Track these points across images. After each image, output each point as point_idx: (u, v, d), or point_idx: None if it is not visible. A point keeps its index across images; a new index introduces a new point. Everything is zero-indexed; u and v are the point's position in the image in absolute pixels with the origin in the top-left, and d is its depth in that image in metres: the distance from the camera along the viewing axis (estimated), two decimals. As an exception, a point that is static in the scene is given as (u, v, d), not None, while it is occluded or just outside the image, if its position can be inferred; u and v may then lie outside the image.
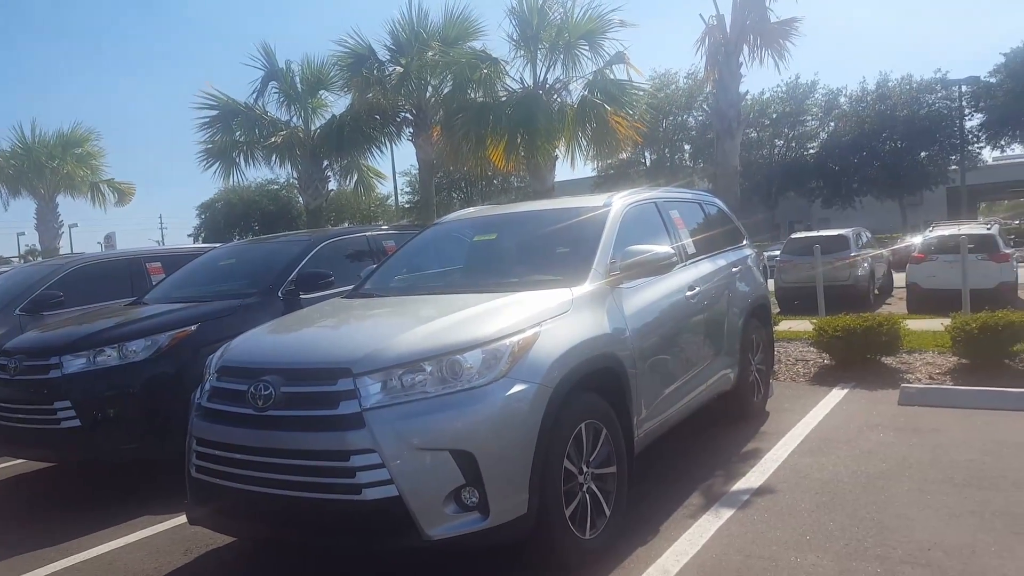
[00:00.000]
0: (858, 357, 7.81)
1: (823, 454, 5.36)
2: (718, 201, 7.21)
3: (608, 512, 3.93)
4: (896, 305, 17.31)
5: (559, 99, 15.17)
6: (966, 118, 44.56)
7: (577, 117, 14.66)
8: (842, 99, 51.77)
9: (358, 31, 18.51)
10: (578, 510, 3.74)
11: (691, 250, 5.73)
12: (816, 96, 52.16)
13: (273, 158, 18.65)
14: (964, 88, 41.08)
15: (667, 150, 53.97)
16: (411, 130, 18.27)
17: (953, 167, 45.20)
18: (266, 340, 4.35)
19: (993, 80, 44.22)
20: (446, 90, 16.57)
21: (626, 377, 4.23)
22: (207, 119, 18.10)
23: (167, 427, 5.30)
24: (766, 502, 4.54)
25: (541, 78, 15.13)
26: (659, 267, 4.68)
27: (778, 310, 13.12)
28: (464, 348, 3.52)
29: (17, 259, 48.35)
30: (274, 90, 18.52)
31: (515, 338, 3.61)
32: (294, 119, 18.84)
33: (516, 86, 15.39)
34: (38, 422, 5.62)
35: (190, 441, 3.89)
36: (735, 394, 6.09)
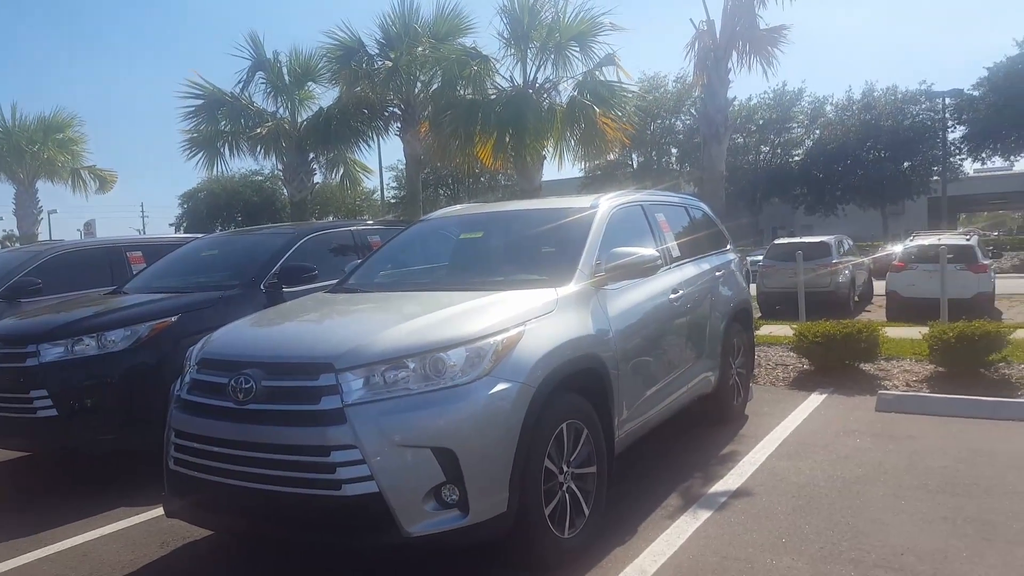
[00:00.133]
0: (837, 363, 7.88)
1: (800, 458, 5.41)
2: (703, 205, 7.25)
3: (587, 511, 3.95)
4: (876, 312, 17.46)
5: (548, 99, 15.16)
6: (949, 130, 45.03)
7: (566, 117, 14.65)
8: (828, 107, 52.24)
9: (348, 23, 18.46)
10: (558, 509, 3.75)
11: (676, 253, 5.75)
12: (802, 104, 52.59)
13: (258, 149, 18.50)
14: (947, 100, 41.60)
15: (654, 153, 54.18)
16: (399, 125, 18.19)
17: (935, 178, 45.69)
18: (248, 333, 4.33)
19: (976, 93, 44.70)
20: (435, 86, 16.50)
21: (608, 378, 4.25)
22: (192, 108, 17.93)
23: (145, 418, 5.26)
24: (743, 504, 4.57)
25: (531, 77, 15.11)
26: (644, 269, 4.70)
27: (760, 315, 13.20)
28: (448, 346, 3.52)
29: (-5, 244, 47.79)
30: (261, 80, 18.38)
31: (499, 337, 3.62)
32: (280, 110, 18.71)
33: (506, 84, 15.37)
34: (14, 411, 5.55)
35: (169, 433, 3.87)
36: (715, 397, 6.13)
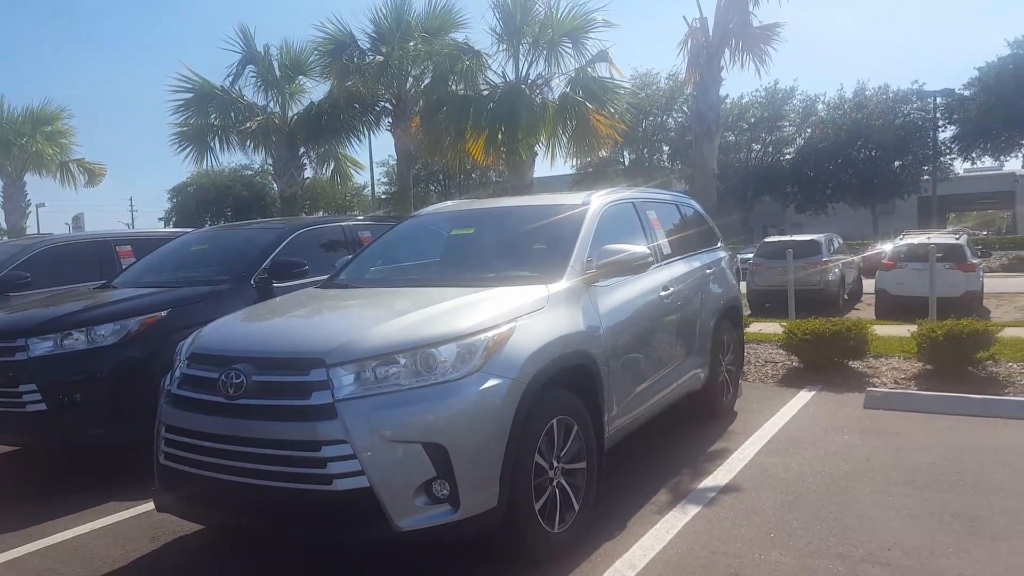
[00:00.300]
0: (826, 360, 7.92)
1: (789, 454, 5.44)
2: (694, 203, 7.27)
3: (577, 507, 3.97)
4: (865, 311, 17.56)
5: (540, 95, 15.17)
6: (939, 130, 45.29)
7: (558, 114, 14.67)
8: (820, 106, 52.49)
9: (339, 17, 18.42)
10: (547, 504, 3.77)
11: (667, 251, 5.77)
12: (794, 102, 52.80)
13: (248, 143, 18.44)
14: (939, 100, 41.77)
15: (646, 150, 54.23)
16: (390, 120, 18.16)
17: (925, 177, 45.92)
18: (238, 328, 4.33)
19: (967, 93, 44.93)
20: (427, 81, 16.50)
21: (599, 374, 4.26)
22: (182, 101, 17.83)
23: (135, 413, 5.23)
24: (732, 500, 4.60)
25: (523, 73, 15.12)
26: (635, 267, 4.71)
27: (749, 312, 13.28)
28: (439, 342, 3.53)
29: (-17, 238, 47.44)
30: (251, 74, 18.30)
31: (490, 333, 3.63)
32: (271, 104, 18.65)
33: (497, 80, 15.37)
34: (3, 405, 5.50)
35: (159, 428, 3.86)
36: (705, 393, 6.16)
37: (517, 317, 3.81)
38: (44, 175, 24.93)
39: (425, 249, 6.01)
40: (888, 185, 48.18)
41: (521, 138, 14.15)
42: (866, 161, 48.18)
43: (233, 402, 3.53)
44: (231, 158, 50.27)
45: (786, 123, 53.35)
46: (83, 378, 5.43)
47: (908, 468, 5.05)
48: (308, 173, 20.50)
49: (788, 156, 52.88)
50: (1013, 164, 55.24)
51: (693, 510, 4.44)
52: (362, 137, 19.15)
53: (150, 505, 4.12)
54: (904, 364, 7.96)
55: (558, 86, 15.14)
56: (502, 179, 39.05)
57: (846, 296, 19.33)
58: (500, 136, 14.33)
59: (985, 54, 73.64)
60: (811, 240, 18.62)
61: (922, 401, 6.64)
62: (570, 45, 14.83)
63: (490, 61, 15.27)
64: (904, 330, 8.55)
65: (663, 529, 4.18)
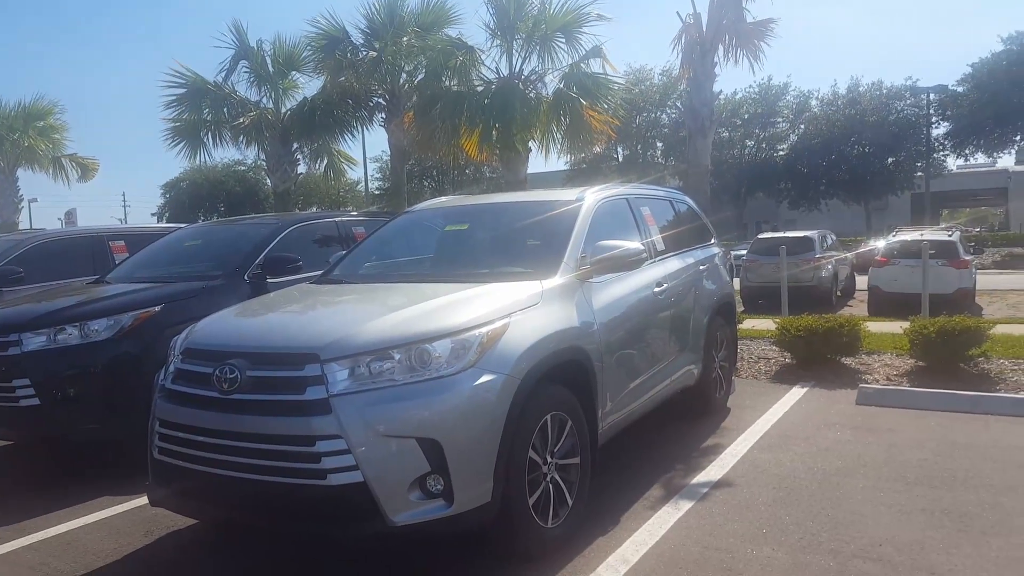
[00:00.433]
0: (819, 357, 7.95)
1: (781, 450, 5.47)
2: (688, 199, 7.29)
3: (571, 502, 3.98)
4: (857, 307, 17.63)
5: (534, 91, 15.16)
6: (933, 126, 45.39)
7: (552, 110, 14.65)
8: (813, 102, 52.50)
9: (332, 12, 18.37)
10: (541, 499, 3.78)
11: (660, 247, 5.79)
12: (788, 98, 52.81)
13: (241, 139, 18.39)
14: (932, 96, 41.91)
15: (639, 146, 54.24)
16: (383, 115, 18.13)
17: (918, 174, 46.04)
18: (233, 323, 4.32)
19: (960, 90, 45.03)
20: (420, 76, 16.47)
21: (593, 370, 4.28)
22: (175, 97, 17.77)
23: (129, 408, 5.24)
24: (725, 495, 4.62)
25: (517, 69, 15.10)
26: (629, 263, 4.72)
27: (743, 308, 13.28)
28: (433, 337, 3.53)
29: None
30: (244, 69, 18.22)
31: (484, 329, 3.63)
32: (264, 100, 18.59)
33: (491, 76, 15.35)
34: (-4, 399, 5.52)
35: (153, 422, 3.86)
36: (698, 390, 6.18)
37: (511, 313, 3.82)
38: (36, 170, 24.84)
39: (419, 245, 6.01)
40: (881, 181, 48.29)
41: (516, 133, 14.14)
42: (859, 157, 48.27)
43: (227, 397, 3.53)
44: (224, 153, 50.35)
45: (779, 119, 53.40)
46: (76, 373, 5.42)
47: (900, 464, 5.08)
48: (301, 169, 20.51)
49: (781, 152, 52.93)
50: (1006, 161, 55.57)
51: (686, 505, 4.46)
52: (355, 133, 19.15)
53: (144, 500, 4.12)
54: (896, 361, 8.00)
55: (552, 82, 15.14)
56: (496, 175, 39.01)
57: (839, 293, 19.38)
58: (494, 132, 14.31)
59: (979, 50, 73.95)
60: (804, 237, 18.66)
61: (914, 398, 6.67)
62: (564, 40, 14.82)
63: (484, 57, 15.27)
64: (897, 327, 8.58)
65: (656, 524, 4.20)
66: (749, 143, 53.99)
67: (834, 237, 21.06)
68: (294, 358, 3.52)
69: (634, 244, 4.82)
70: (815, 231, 19.42)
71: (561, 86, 14.69)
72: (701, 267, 6.35)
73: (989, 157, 51.43)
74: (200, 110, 18.07)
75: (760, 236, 21.56)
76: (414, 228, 6.14)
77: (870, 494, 4.56)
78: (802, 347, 8.00)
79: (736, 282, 10.86)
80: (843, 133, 48.25)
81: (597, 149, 24.35)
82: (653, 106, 52.19)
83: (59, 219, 46.73)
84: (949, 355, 7.29)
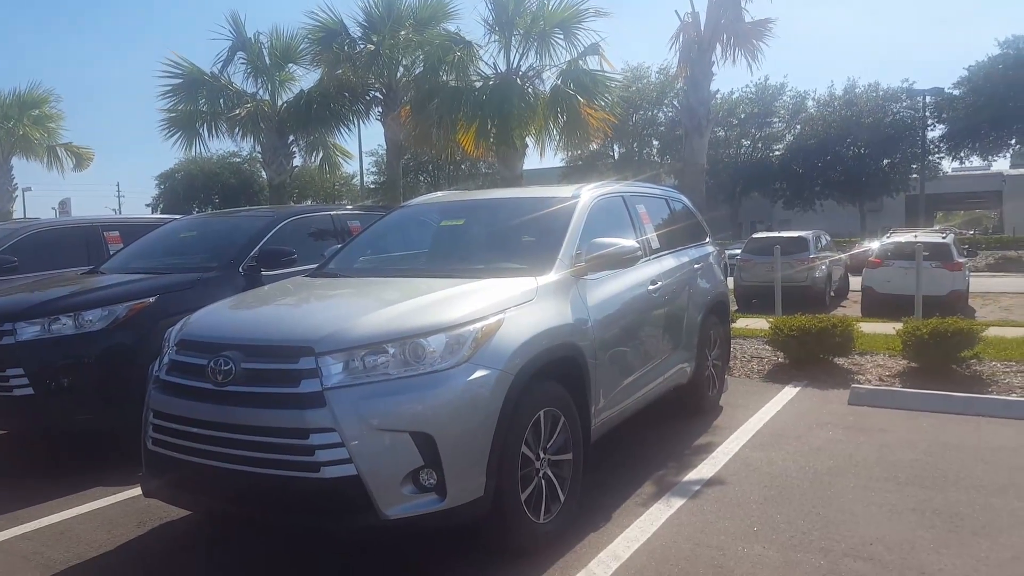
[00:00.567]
0: (811, 357, 7.97)
1: (773, 449, 5.49)
2: (684, 198, 7.30)
3: (563, 498, 3.99)
4: (851, 308, 17.68)
5: (531, 88, 15.14)
6: (928, 129, 45.50)
7: (549, 106, 14.64)
8: (809, 103, 52.67)
9: (330, 5, 18.31)
10: (534, 495, 3.79)
11: (655, 245, 5.80)
12: (784, 99, 52.91)
13: (237, 130, 18.31)
14: (928, 99, 42.00)
15: (636, 144, 54.30)
16: (380, 109, 18.08)
17: (913, 176, 46.16)
18: (227, 315, 4.32)
19: (956, 93, 45.15)
20: (418, 71, 16.41)
21: (586, 367, 4.29)
22: (170, 87, 17.67)
23: (122, 398, 5.23)
24: (716, 493, 4.64)
25: (515, 65, 15.08)
26: (624, 260, 4.72)
27: (736, 308, 13.33)
28: (428, 332, 3.54)
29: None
30: (241, 61, 18.14)
31: (479, 324, 3.64)
32: (260, 92, 18.51)
33: (489, 71, 15.33)
34: (-11, 389, 5.51)
35: (147, 413, 3.86)
36: (691, 388, 6.19)
37: (506, 309, 3.83)
38: (31, 159, 24.73)
39: (414, 239, 6.01)
40: (876, 183, 48.42)
41: (513, 130, 14.12)
42: (855, 159, 48.39)
43: (221, 389, 3.53)
44: (220, 145, 50.27)
45: (776, 119, 53.51)
46: (71, 363, 5.42)
47: (891, 464, 5.10)
48: (297, 161, 20.40)
49: (777, 152, 53.05)
50: (1001, 164, 55.77)
51: (678, 503, 4.48)
52: (351, 126, 19.06)
53: (137, 491, 4.13)
54: (889, 361, 8.03)
55: (549, 78, 15.10)
56: (491, 171, 38.98)
57: (832, 293, 19.44)
58: (491, 128, 14.29)
59: (976, 53, 74.13)
60: (799, 237, 18.71)
61: (906, 398, 6.70)
62: (562, 36, 14.78)
63: (481, 52, 15.22)
64: (890, 328, 8.62)
65: (648, 521, 4.22)
66: (745, 143, 54.10)
67: (828, 238, 21.12)
68: (289, 351, 3.52)
69: (629, 242, 4.83)
70: (810, 231, 19.48)
71: (559, 83, 14.67)
72: (695, 266, 6.37)
73: (984, 160, 51.66)
74: (196, 101, 17.99)
75: (754, 236, 21.61)
76: (410, 223, 6.14)
77: (861, 493, 4.58)
78: (795, 347, 8.02)
79: (730, 281, 10.87)
80: (839, 134, 48.36)
81: (594, 146, 24.36)
82: (650, 104, 52.25)
83: (53, 208, 46.56)
84: (942, 356, 7.32)
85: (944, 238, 17.39)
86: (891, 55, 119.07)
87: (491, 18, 14.81)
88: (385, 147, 19.39)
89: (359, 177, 42.29)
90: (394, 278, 4.92)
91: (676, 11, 13.58)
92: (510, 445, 3.59)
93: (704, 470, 5.07)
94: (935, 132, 47.69)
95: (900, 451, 5.38)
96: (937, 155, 48.87)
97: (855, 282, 19.36)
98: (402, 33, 16.15)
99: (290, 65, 18.57)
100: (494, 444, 3.49)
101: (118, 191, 68.96)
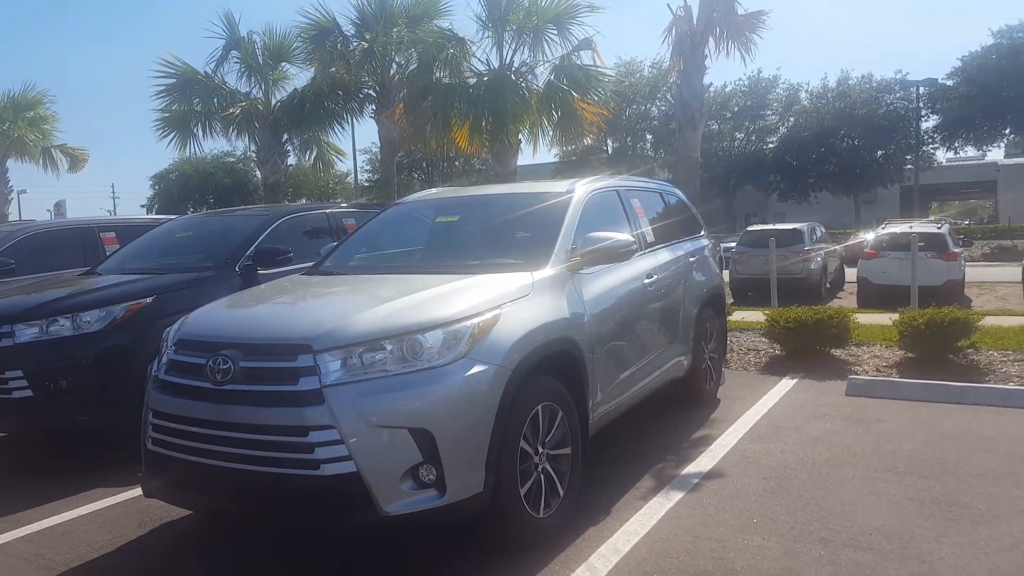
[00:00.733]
0: (808, 348, 7.99)
1: (771, 441, 5.51)
2: (678, 191, 7.31)
3: (562, 492, 4.00)
4: (847, 299, 17.70)
5: (525, 83, 15.12)
6: (922, 119, 45.55)
7: (543, 102, 14.63)
8: (803, 95, 52.58)
9: (323, 3, 18.26)
10: (533, 489, 3.80)
11: (650, 239, 5.80)
12: (777, 91, 52.87)
13: (231, 130, 18.25)
14: (922, 90, 42.03)
15: (629, 138, 54.28)
16: (374, 107, 18.04)
17: (908, 167, 46.20)
18: (225, 314, 4.33)
19: (950, 83, 45.18)
20: (411, 68, 16.39)
21: (583, 361, 4.30)
22: (164, 87, 17.59)
23: (121, 399, 5.24)
24: (715, 486, 4.65)
25: (508, 61, 15.07)
26: (619, 254, 4.74)
27: (732, 300, 13.32)
28: (425, 328, 3.55)
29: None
30: (235, 60, 18.06)
31: (476, 320, 3.65)
32: (254, 91, 18.44)
33: (482, 68, 15.31)
34: (-12, 391, 5.50)
35: (146, 413, 3.87)
36: (688, 381, 6.21)
37: (502, 304, 3.84)
38: (26, 161, 24.65)
39: (410, 237, 6.01)
40: (871, 174, 48.43)
41: (507, 125, 14.11)
42: (849, 150, 48.38)
43: (220, 388, 3.54)
44: (214, 145, 50.12)
45: (769, 112, 53.48)
46: (69, 364, 5.42)
47: (889, 454, 5.12)
48: (291, 160, 20.35)
49: (771, 145, 53.03)
50: (995, 154, 55.85)
51: (677, 496, 4.49)
52: (345, 124, 19.04)
53: (137, 491, 4.14)
54: (886, 352, 8.05)
55: (542, 74, 15.09)
56: (485, 167, 38.95)
57: (828, 285, 19.46)
58: (484, 124, 14.27)
59: (969, 44, 74.15)
60: (793, 229, 18.74)
61: (903, 389, 6.72)
62: (555, 32, 14.76)
63: (475, 49, 15.19)
64: (886, 318, 8.64)
65: (647, 514, 4.23)
66: (739, 136, 54.09)
67: (823, 229, 21.15)
68: (287, 349, 3.53)
69: (624, 236, 4.84)
70: (804, 223, 19.51)
71: (552, 78, 14.65)
72: (691, 259, 6.38)
73: (978, 150, 51.71)
74: (190, 100, 17.92)
75: (749, 228, 21.63)
76: (405, 220, 6.14)
77: (860, 484, 4.60)
78: (792, 339, 8.04)
79: (725, 274, 10.89)
80: (833, 126, 48.34)
81: (588, 141, 24.37)
82: (643, 98, 52.23)
83: (48, 210, 46.45)
84: (938, 346, 7.35)
85: (939, 228, 17.42)
86: (884, 46, 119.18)
87: (484, 14, 14.80)
88: (379, 145, 19.42)
89: (353, 175, 42.10)
90: (390, 275, 4.92)
91: (668, 5, 13.60)
92: (508, 440, 3.60)
93: (703, 463, 5.09)
94: (929, 123, 47.73)
95: (898, 441, 5.40)
96: (931, 146, 48.90)
97: (851, 274, 19.37)
98: (395, 30, 16.11)
99: (283, 64, 18.50)
100: (492, 439, 3.50)
101: (113, 192, 69.14)
